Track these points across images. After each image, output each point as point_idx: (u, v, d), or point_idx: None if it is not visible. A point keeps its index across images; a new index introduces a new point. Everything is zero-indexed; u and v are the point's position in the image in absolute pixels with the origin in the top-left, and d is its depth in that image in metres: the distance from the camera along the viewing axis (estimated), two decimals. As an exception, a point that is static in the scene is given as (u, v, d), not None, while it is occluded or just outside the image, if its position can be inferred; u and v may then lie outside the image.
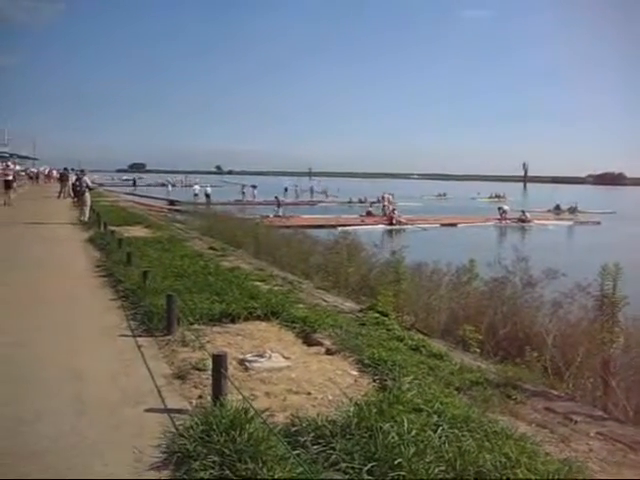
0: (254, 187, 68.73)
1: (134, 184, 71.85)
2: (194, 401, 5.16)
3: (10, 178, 33.29)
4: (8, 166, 40.81)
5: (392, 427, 4.15)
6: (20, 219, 22.33)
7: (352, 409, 4.56)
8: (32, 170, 68.30)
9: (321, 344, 6.86)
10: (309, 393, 5.36)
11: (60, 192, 38.69)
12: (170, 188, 75.16)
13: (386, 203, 53.23)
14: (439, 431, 4.21)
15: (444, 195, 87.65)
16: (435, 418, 4.48)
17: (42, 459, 4.12)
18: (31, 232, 18.82)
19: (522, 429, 4.85)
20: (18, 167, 49.64)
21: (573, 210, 57.17)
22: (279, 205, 55.88)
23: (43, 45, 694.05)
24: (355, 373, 5.99)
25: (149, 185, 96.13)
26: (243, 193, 66.68)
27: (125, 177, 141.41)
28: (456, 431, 4.26)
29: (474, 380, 6.20)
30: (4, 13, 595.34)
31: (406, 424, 4.20)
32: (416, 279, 12.71)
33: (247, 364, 6.06)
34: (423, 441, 4.02)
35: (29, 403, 5.10)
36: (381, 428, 4.11)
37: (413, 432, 4.10)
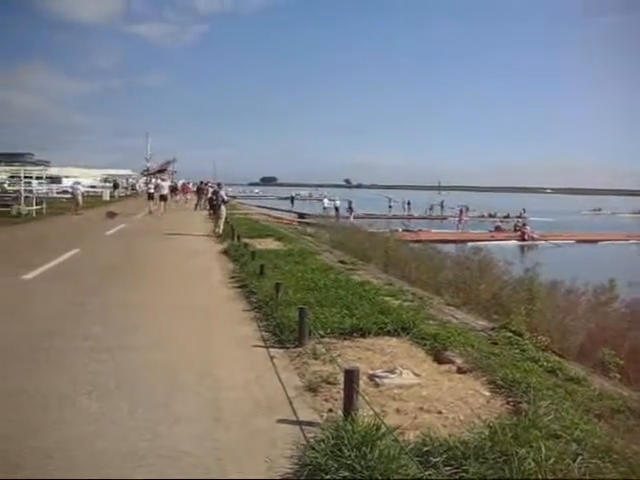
0: (407, 202, 68.42)
1: (292, 201, 72.85)
2: (325, 414, 5.19)
3: (165, 192, 35.19)
4: (164, 180, 43.08)
5: (528, 453, 4.00)
6: (160, 229, 23.56)
7: (486, 431, 4.44)
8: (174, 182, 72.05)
9: (452, 362, 6.73)
10: (440, 412, 5.26)
11: (196, 204, 40.40)
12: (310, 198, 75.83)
13: (520, 219, 51.98)
14: (578, 460, 4.01)
15: (599, 210, 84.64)
16: (574, 446, 4.26)
17: (178, 462, 4.28)
18: (169, 243, 19.81)
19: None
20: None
21: None
22: (408, 219, 55.56)
23: (186, 65, 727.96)
24: (487, 394, 5.82)
25: (280, 198, 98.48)
26: (390, 207, 66.69)
27: (257, 190, 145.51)
28: (598, 462, 4.03)
29: (615, 408, 5.85)
30: (149, 38, 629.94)
31: (543, 450, 4.02)
32: (551, 298, 12.26)
33: (377, 380, 6.04)
34: (562, 470, 3.85)
35: (167, 407, 5.31)
36: (517, 453, 3.98)
37: (551, 460, 3.93)
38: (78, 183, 39.06)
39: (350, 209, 59.09)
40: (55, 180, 54.72)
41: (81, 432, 4.70)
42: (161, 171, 68.44)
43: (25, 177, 34.35)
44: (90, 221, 29.16)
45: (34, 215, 29.81)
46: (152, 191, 38.56)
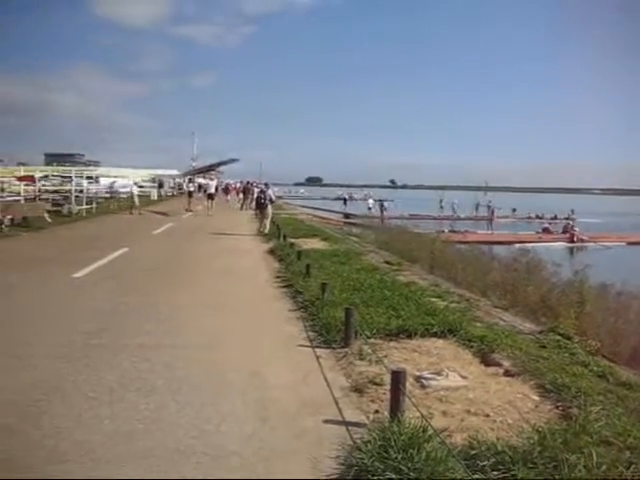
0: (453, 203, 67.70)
1: (345, 202, 72.45)
2: (371, 415, 5.18)
3: (212, 191, 35.75)
4: (212, 179, 43.83)
5: (579, 459, 3.92)
6: (206, 228, 23.85)
7: (535, 436, 4.37)
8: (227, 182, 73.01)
9: (500, 365, 6.64)
10: (487, 415, 5.20)
11: (242, 204, 40.73)
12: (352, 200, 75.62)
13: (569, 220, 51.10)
14: (632, 469, 3.92)
15: None
16: (627, 454, 4.15)
17: (225, 460, 4.32)
18: (215, 242, 20.01)
19: None
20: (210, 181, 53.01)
21: None
22: (454, 220, 55.06)
23: (233, 66, 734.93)
24: (536, 398, 5.73)
25: (325, 198, 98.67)
26: (442, 207, 66.09)
27: (302, 190, 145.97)
28: (653, 471, 3.94)
29: (671, 416, 5.72)
30: (197, 40, 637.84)
31: (595, 457, 3.94)
32: (601, 301, 12.02)
33: (424, 381, 6.00)
34: (614, 478, 3.77)
35: (214, 405, 5.37)
36: (567, 459, 3.91)
37: (603, 467, 3.85)
38: (135, 184, 40.13)
39: (382, 209, 58.98)
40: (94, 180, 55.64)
41: (130, 428, 4.78)
42: (208, 170, 69.30)
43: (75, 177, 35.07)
44: (138, 220, 29.69)
45: (84, 214, 30.39)
46: (192, 190, 39.25)
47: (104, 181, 48.65)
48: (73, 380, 5.89)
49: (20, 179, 31.99)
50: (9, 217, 22.05)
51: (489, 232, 47.52)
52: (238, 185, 59.62)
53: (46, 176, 41.63)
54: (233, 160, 72.79)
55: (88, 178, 38.77)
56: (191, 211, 35.24)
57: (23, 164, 49.67)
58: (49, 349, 6.92)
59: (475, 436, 4.51)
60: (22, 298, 9.93)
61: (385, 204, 65.57)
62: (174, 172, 75.78)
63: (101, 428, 4.75)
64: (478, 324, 8.51)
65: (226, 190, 57.61)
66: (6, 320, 8.33)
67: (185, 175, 72.82)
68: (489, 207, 66.64)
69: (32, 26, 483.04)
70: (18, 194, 28.32)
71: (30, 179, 33.71)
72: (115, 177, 51.71)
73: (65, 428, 4.72)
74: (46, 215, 25.56)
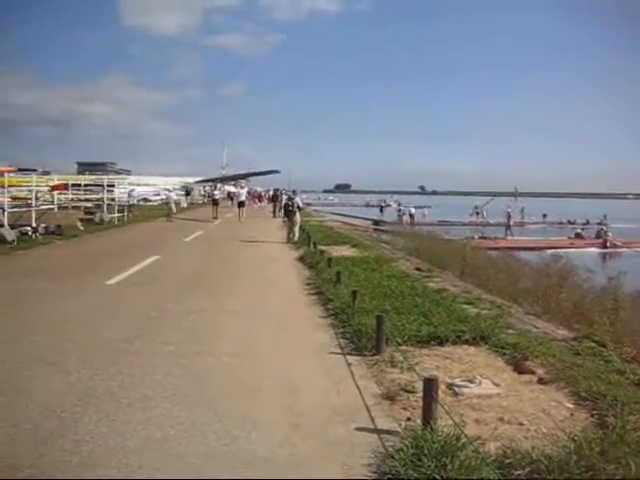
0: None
1: (381, 210, 71.70)
2: (403, 423, 5.14)
3: (243, 199, 36.22)
4: (242, 187, 44.39)
5: (617, 470, 3.86)
6: (236, 236, 24.02)
7: (570, 445, 4.30)
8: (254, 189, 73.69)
9: (533, 372, 6.57)
10: (521, 424, 5.14)
11: (273, 211, 40.97)
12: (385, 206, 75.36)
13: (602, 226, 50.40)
14: (672, 480, 3.84)
15: None
16: (668, 465, 4.08)
17: (256, 467, 4.32)
18: (245, 249, 20.15)
19: None
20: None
21: None
22: (484, 226, 54.65)
23: (262, 74, 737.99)
24: (570, 406, 5.64)
25: (354, 205, 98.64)
26: (477, 213, 65.60)
27: (331, 197, 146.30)
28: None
29: None
30: (227, 49, 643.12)
31: (633, 468, 3.87)
32: (636, 308, 11.83)
33: (456, 389, 5.96)
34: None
35: (246, 412, 5.37)
36: (604, 469, 3.84)
37: (642, 478, 3.78)
38: (170, 191, 40.78)
39: (411, 215, 58.73)
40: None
41: (164, 434, 4.81)
42: (238, 178, 69.90)
43: (108, 186, 35.49)
44: (169, 228, 29.95)
45: (116, 222, 30.73)
46: (217, 197, 39.66)
47: (120, 189, 48.94)
48: (107, 386, 5.94)
49: (53, 188, 32.36)
50: (43, 225, 22.36)
51: (509, 237, 47.01)
52: (270, 193, 59.99)
53: (78, 184, 42.23)
54: (273, 171, 73.18)
55: (110, 186, 39.15)
56: (217, 219, 35.50)
57: (47, 173, 50.26)
58: (83, 356, 6.99)
59: (509, 445, 4.46)
60: (56, 305, 10.05)
61: (425, 211, 65.53)
62: (197, 179, 76.26)
63: (135, 434, 4.79)
64: (510, 331, 8.41)
65: (258, 197, 58.15)
66: (41, 327, 8.43)
67: (209, 182, 73.42)
68: (522, 213, 66.10)
69: (65, 39, 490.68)
70: (52, 202, 28.67)
71: (63, 187, 34.12)
72: (137, 184, 52.31)
73: (100, 434, 4.77)
74: (79, 223, 25.94)
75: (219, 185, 70.24)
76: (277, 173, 73.63)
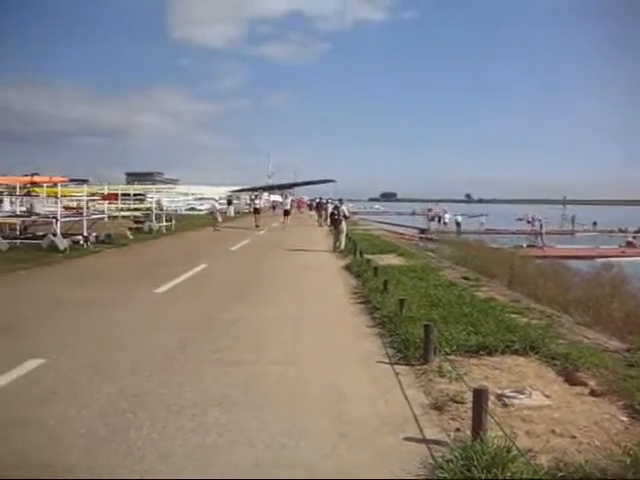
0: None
1: (439, 220, 69.94)
2: (452, 434, 5.08)
3: (288, 207, 36.82)
4: (287, 196, 45.12)
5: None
6: (282, 244, 24.23)
7: (627, 459, 4.20)
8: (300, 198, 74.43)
9: (585, 384, 6.43)
10: (574, 436, 5.02)
11: (319, 220, 41.10)
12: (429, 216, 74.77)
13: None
14: None
15: None
16: None
17: (305, 476, 4.31)
18: (291, 258, 20.23)
19: None
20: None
21: None
22: (536, 235, 53.82)
23: (308, 83, 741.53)
24: (625, 419, 5.50)
25: (400, 214, 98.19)
26: (528, 222, 64.62)
27: (377, 205, 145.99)
28: None
29: None
30: (273, 59, 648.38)
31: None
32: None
33: (505, 400, 5.87)
34: None
35: (294, 420, 5.37)
36: (662, 484, 3.74)
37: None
38: (216, 200, 41.29)
39: (438, 221, 58.45)
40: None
41: (213, 441, 4.85)
42: (287, 188, 70.54)
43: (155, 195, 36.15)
44: (215, 237, 30.26)
45: (164, 231, 31.18)
46: (257, 206, 40.07)
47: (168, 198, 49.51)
48: (157, 393, 6.02)
49: (104, 197, 33.08)
50: (94, 234, 22.82)
51: (541, 245, 46.28)
52: (315, 202, 60.61)
53: (127, 194, 43.05)
54: (328, 180, 73.42)
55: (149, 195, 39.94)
56: (260, 227, 35.78)
57: (84, 181, 51.10)
58: (133, 363, 7.09)
59: (562, 458, 4.37)
60: (106, 313, 10.21)
61: (483, 219, 65.10)
62: (243, 187, 76.90)
63: (185, 441, 4.84)
64: (561, 341, 8.25)
65: (305, 206, 58.93)
66: (92, 335, 8.59)
67: (255, 191, 74.05)
68: (573, 221, 64.99)
69: (115, 53, 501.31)
70: (102, 212, 29.28)
71: (114, 197, 34.85)
72: (185, 194, 53.05)
73: (151, 440, 4.83)
74: (128, 232, 26.42)
75: (264, 194, 70.75)
76: (332, 182, 73.74)
